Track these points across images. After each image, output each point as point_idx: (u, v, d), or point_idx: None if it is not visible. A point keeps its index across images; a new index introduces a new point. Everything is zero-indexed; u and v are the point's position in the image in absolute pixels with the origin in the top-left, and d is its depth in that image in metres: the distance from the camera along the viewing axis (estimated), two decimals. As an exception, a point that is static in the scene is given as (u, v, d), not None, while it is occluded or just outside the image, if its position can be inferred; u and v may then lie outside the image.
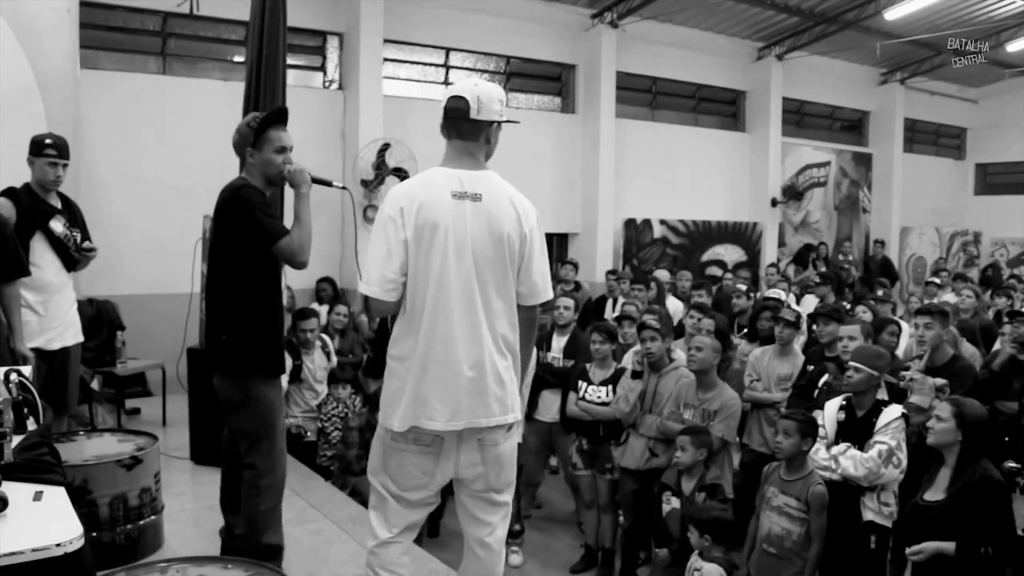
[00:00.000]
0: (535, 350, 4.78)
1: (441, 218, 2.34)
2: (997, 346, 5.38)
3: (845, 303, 6.89)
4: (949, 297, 7.23)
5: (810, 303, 7.65)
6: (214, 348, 3.21)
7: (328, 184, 3.41)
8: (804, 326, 6.90)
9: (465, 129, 2.43)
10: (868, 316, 5.44)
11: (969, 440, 3.16)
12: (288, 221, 3.22)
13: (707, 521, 3.54)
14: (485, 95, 2.43)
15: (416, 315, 2.38)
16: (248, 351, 3.13)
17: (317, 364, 5.60)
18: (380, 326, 6.27)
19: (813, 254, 12.53)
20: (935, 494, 3.23)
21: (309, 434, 5.43)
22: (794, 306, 7.39)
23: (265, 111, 4.46)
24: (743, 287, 6.88)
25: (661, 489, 4.16)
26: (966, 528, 3.05)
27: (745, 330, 6.00)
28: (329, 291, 7.78)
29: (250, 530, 3.17)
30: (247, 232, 3.06)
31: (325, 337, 5.88)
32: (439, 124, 2.49)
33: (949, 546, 3.06)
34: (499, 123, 2.49)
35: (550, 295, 2.55)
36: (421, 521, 2.58)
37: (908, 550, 3.18)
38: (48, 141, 3.93)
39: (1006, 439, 4.22)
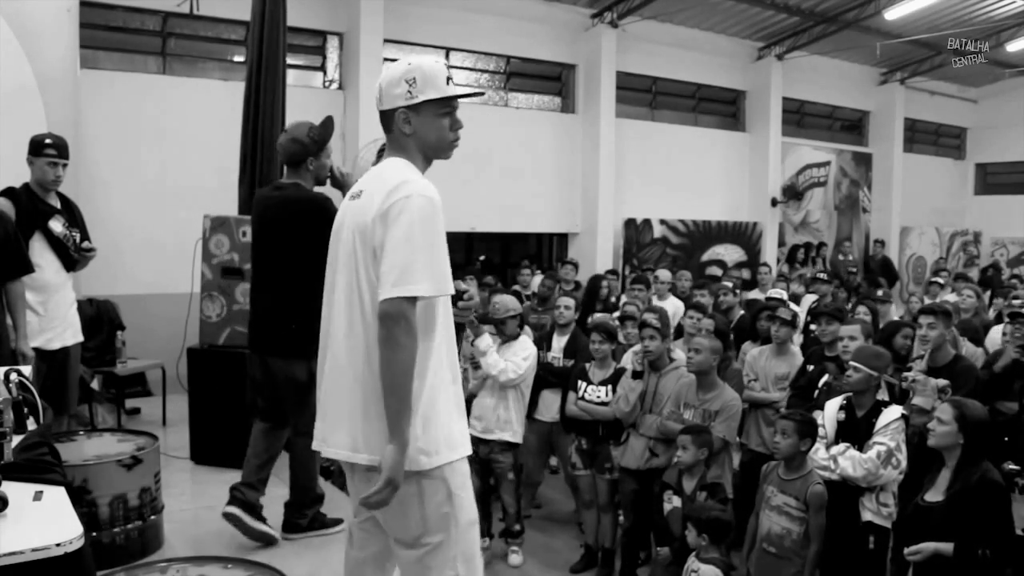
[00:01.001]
0: (534, 351, 4.78)
1: (334, 228, 2.26)
2: (998, 345, 5.37)
3: (848, 304, 6.87)
4: (950, 297, 7.22)
5: (808, 302, 7.65)
6: (281, 336, 3.57)
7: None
8: (801, 323, 6.89)
9: (383, 122, 2.20)
10: (868, 317, 5.43)
11: (971, 442, 3.14)
12: None
13: (706, 521, 3.54)
14: (385, 80, 2.16)
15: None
16: (312, 337, 3.37)
17: None
18: None
19: (801, 251, 12.50)
20: (935, 495, 3.23)
21: None
22: (792, 306, 7.39)
23: (262, 112, 4.58)
24: (729, 284, 6.83)
25: (662, 488, 4.16)
26: (965, 529, 3.05)
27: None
28: None
29: (315, 483, 3.80)
30: (325, 241, 3.32)
31: None
32: None
33: (947, 547, 3.06)
34: (410, 107, 2.12)
35: (400, 290, 1.93)
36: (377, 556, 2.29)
37: (906, 550, 3.19)
38: (48, 141, 3.93)
39: (1006, 439, 4.21)
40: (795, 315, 5.29)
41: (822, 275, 8.38)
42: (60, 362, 4.05)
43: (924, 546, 3.11)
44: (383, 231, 1.99)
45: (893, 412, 3.73)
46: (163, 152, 7.64)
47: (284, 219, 3.53)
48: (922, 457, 3.65)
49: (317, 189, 3.68)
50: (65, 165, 4.00)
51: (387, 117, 2.16)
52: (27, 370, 2.77)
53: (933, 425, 3.24)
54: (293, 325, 3.53)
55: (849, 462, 3.64)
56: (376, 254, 2.01)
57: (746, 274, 11.78)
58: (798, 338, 6.46)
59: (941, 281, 8.38)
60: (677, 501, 4.03)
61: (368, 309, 2.04)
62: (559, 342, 5.30)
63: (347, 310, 2.11)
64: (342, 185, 3.61)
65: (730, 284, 6.79)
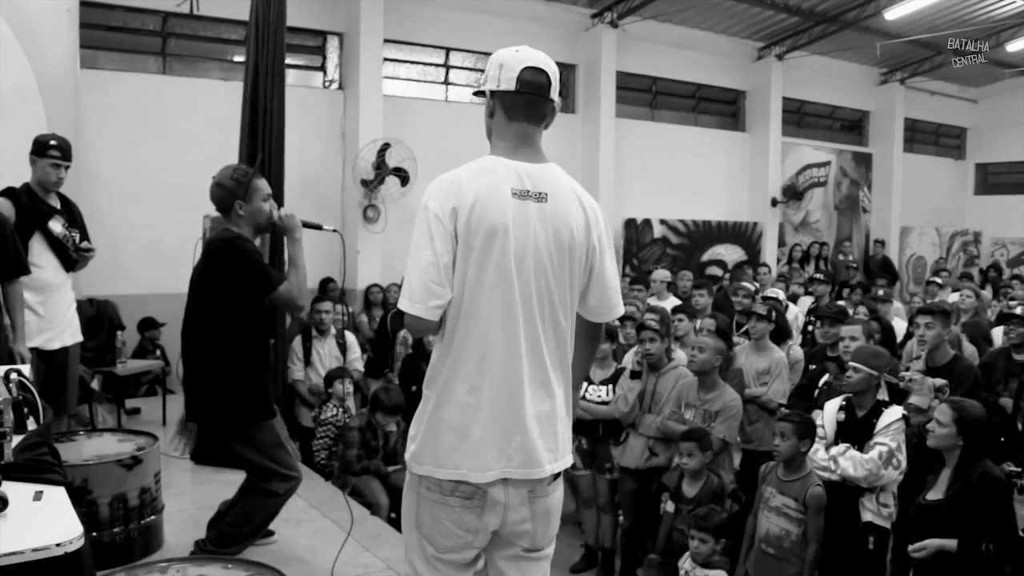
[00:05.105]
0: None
1: (501, 221, 1.93)
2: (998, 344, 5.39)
3: (847, 304, 6.87)
4: (948, 297, 7.22)
5: (807, 303, 7.65)
6: (204, 404, 3.23)
7: (318, 228, 3.44)
8: (800, 323, 6.87)
9: (536, 112, 2.04)
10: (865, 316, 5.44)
11: (970, 443, 3.16)
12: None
13: (717, 527, 3.55)
14: (555, 69, 2.06)
15: (464, 342, 1.97)
16: (241, 400, 3.16)
17: (327, 351, 5.72)
18: (415, 342, 6.21)
19: (798, 249, 12.49)
20: (936, 494, 3.24)
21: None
22: (792, 307, 7.40)
23: (267, 113, 4.53)
24: (748, 286, 6.84)
25: (659, 490, 4.16)
26: (967, 526, 3.07)
27: (745, 328, 5.99)
28: (337, 291, 7.75)
29: (244, 530, 3.35)
30: (245, 283, 3.09)
31: (350, 335, 6.00)
32: (499, 100, 2.04)
33: (951, 543, 3.08)
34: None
35: (622, 310, 2.22)
36: None
37: (911, 547, 3.19)
38: (53, 143, 3.93)
39: (1002, 440, 4.20)
40: (770, 310, 5.28)
41: (819, 276, 8.39)
42: (60, 362, 4.05)
43: (928, 543, 3.12)
44: (601, 253, 2.09)
45: (894, 412, 3.73)
46: (163, 152, 7.64)
47: (201, 264, 3.23)
48: (921, 457, 3.65)
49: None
50: (67, 168, 3.99)
51: (550, 109, 2.07)
52: (27, 370, 2.78)
53: (932, 426, 3.25)
54: (215, 388, 3.14)
55: (850, 462, 3.64)
56: (592, 273, 2.09)
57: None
58: (797, 338, 6.48)
59: (939, 281, 8.39)
60: (671, 507, 4.02)
61: (559, 325, 2.03)
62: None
63: (528, 330, 1.98)
64: (288, 229, 3.23)
65: (748, 285, 6.80)
